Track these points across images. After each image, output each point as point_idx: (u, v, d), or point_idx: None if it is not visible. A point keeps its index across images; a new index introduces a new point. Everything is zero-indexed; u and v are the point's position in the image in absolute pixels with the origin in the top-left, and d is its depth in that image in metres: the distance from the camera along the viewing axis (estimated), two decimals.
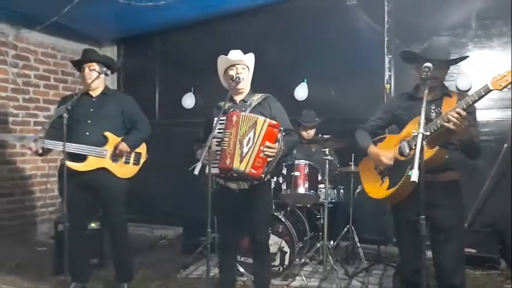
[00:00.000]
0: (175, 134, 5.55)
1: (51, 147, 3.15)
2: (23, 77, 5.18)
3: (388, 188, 2.55)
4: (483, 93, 2.18)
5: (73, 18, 4.64)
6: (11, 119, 5.05)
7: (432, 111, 2.50)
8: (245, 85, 2.96)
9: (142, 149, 3.46)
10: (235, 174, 2.74)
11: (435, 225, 2.46)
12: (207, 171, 2.53)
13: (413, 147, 2.35)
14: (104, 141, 3.26)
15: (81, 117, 3.25)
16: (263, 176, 2.70)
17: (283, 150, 2.75)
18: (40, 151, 3.15)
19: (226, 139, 2.71)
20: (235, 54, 2.95)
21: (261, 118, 2.70)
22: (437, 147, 2.32)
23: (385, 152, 2.61)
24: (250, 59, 2.98)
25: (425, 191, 2.07)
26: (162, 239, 5.30)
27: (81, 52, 3.43)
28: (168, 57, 5.89)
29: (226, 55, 2.95)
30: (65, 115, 2.92)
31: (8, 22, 4.95)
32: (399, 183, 2.46)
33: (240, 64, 2.92)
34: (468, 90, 4.23)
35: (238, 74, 2.87)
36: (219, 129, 2.74)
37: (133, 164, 3.38)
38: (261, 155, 2.64)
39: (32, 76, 5.28)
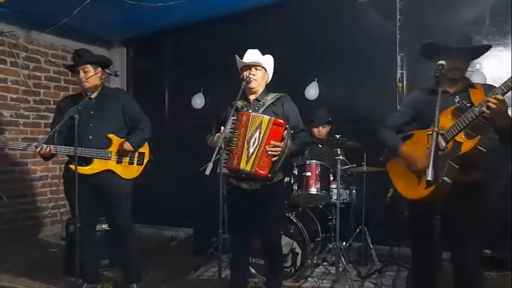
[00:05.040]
0: (185, 135, 5.53)
1: (61, 152, 3.11)
2: (34, 79, 5.22)
3: (427, 186, 2.32)
4: None
5: (83, 20, 4.66)
6: (21, 120, 5.09)
7: (457, 103, 2.39)
8: (257, 85, 2.95)
9: (146, 149, 3.45)
10: (243, 175, 2.74)
11: (452, 226, 2.39)
12: (218, 170, 2.52)
13: (450, 139, 2.27)
14: (107, 143, 3.25)
15: (82, 120, 3.15)
16: (269, 175, 2.69)
17: (292, 148, 2.74)
18: (47, 152, 3.09)
19: (235, 139, 2.73)
20: (250, 55, 2.95)
21: (266, 117, 2.71)
22: (478, 137, 2.20)
23: (419, 155, 2.40)
24: (267, 60, 2.98)
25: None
26: (172, 240, 5.29)
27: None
28: (178, 58, 5.88)
29: (238, 55, 2.95)
30: (76, 116, 2.93)
31: (18, 24, 4.99)
32: (440, 179, 2.24)
33: (254, 66, 2.91)
34: None
35: (250, 74, 2.87)
36: (230, 128, 2.75)
37: (137, 164, 3.38)
38: (267, 154, 2.65)
39: (42, 78, 5.32)
